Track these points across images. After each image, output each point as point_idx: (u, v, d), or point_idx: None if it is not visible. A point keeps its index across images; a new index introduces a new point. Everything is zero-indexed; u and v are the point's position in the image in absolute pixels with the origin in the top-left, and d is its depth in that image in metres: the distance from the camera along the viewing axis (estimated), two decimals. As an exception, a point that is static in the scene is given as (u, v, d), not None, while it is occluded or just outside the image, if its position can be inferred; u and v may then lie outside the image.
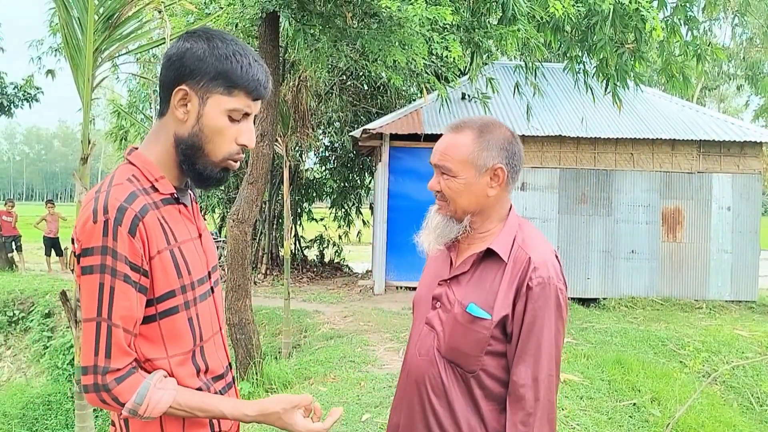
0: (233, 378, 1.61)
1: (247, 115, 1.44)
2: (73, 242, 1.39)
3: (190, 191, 1.57)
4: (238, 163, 1.48)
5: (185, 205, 1.51)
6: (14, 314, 11.07)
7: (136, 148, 1.47)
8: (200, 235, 1.54)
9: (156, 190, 1.41)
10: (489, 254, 1.65)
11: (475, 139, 1.63)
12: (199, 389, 1.45)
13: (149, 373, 1.39)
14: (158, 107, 1.49)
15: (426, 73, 8.07)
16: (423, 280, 1.84)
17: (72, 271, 3.47)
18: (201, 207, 14.27)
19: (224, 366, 1.56)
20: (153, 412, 1.35)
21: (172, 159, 1.44)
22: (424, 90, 8.72)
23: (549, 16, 6.07)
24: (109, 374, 1.33)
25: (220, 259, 10.23)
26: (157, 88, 1.49)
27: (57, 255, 14.45)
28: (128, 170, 1.41)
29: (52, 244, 14.40)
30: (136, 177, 1.40)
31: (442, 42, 6.02)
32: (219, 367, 1.53)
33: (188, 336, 1.44)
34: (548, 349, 1.57)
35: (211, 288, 1.55)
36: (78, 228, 1.35)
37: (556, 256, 1.66)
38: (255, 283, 12.54)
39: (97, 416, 8.53)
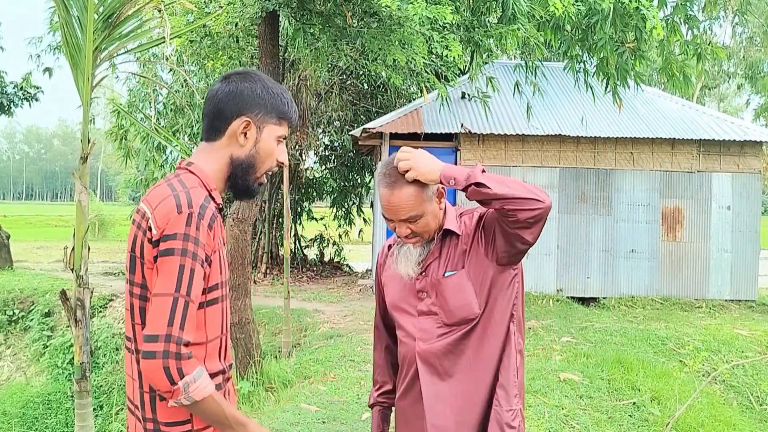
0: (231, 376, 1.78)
1: (285, 138, 1.81)
2: (148, 231, 1.56)
3: None
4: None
5: (224, 217, 1.79)
6: (14, 313, 11.06)
7: (191, 163, 1.71)
8: (224, 243, 1.76)
9: (213, 198, 1.66)
10: (446, 234, 2.03)
11: (415, 184, 1.91)
12: (222, 371, 1.66)
13: None
14: (205, 131, 1.75)
15: (426, 72, 8.06)
16: (391, 288, 2.14)
17: (72, 270, 3.47)
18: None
19: (230, 361, 1.76)
20: (197, 393, 1.49)
21: (222, 176, 1.72)
22: (424, 89, 8.72)
23: (549, 15, 6.06)
24: (185, 346, 1.48)
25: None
26: (203, 117, 1.76)
27: None
28: (193, 179, 1.65)
29: None
30: (201, 185, 1.64)
31: (442, 41, 6.02)
32: (229, 358, 1.74)
33: (219, 325, 1.66)
34: None
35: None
36: (158, 218, 1.54)
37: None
38: (255, 282, 12.54)
39: (97, 415, 8.54)
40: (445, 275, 1.98)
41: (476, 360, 1.98)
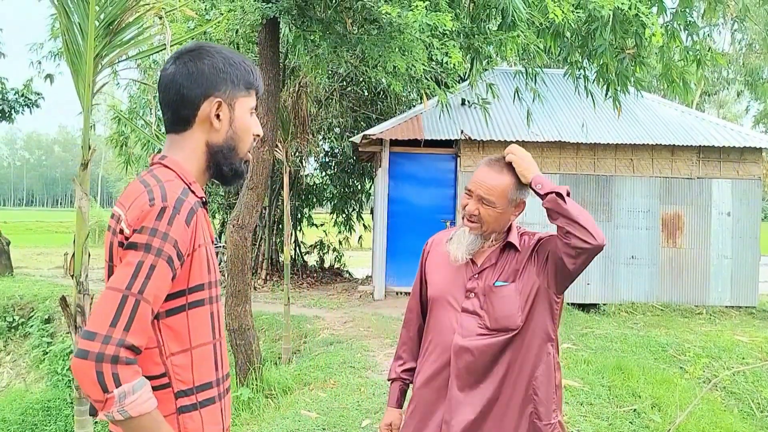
0: (229, 385, 1.65)
1: (255, 109, 1.64)
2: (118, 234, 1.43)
3: None
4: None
5: (207, 211, 1.62)
6: (14, 319, 11.05)
7: (165, 156, 1.56)
8: (212, 241, 1.62)
9: (193, 192, 1.51)
10: (507, 247, 2.16)
11: (512, 181, 2.08)
12: (217, 381, 1.54)
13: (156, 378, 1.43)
14: (171, 124, 1.57)
15: (426, 78, 8.06)
16: (438, 279, 2.24)
17: (72, 276, 3.47)
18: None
19: (227, 370, 1.62)
20: (133, 408, 1.31)
21: (201, 166, 1.57)
22: (424, 96, 8.72)
23: (549, 21, 6.07)
24: (125, 349, 1.31)
25: (220, 264, 10.22)
26: (163, 107, 1.58)
27: None
28: (169, 172, 1.50)
29: None
30: (178, 178, 1.50)
31: (442, 48, 6.03)
32: (226, 367, 1.60)
33: (209, 329, 1.52)
34: None
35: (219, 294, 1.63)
36: (130, 218, 1.40)
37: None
38: (255, 288, 12.53)
39: (96, 422, 8.51)
40: (496, 284, 2.11)
41: (510, 370, 2.09)
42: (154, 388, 1.41)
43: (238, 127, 1.57)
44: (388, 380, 2.42)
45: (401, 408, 2.36)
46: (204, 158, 1.56)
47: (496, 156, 2.15)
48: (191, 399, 1.48)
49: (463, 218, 2.18)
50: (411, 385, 2.34)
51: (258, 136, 1.64)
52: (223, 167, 1.58)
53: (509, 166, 2.09)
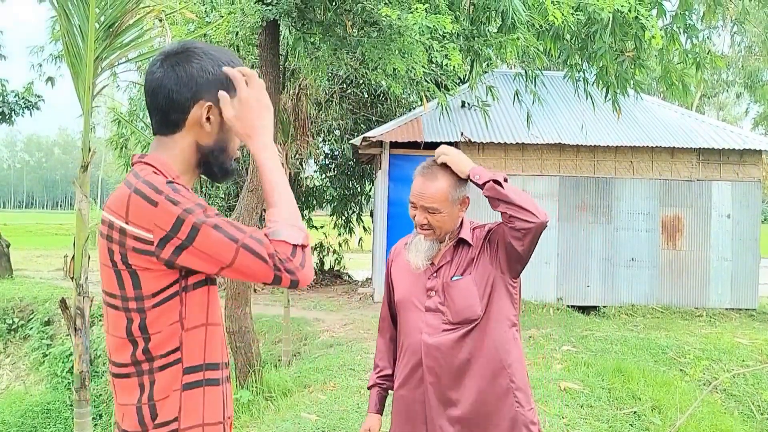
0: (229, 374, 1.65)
1: None
2: (117, 241, 1.42)
3: None
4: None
5: None
6: (13, 322, 11.05)
7: (143, 155, 1.54)
8: None
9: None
10: (460, 243, 2.24)
11: (449, 182, 2.14)
12: (224, 365, 1.56)
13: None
14: (160, 126, 1.54)
15: (426, 81, 8.07)
16: (401, 283, 2.34)
17: (72, 278, 3.47)
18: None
19: (228, 359, 1.62)
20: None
21: (190, 165, 1.55)
22: (424, 98, 8.72)
23: (548, 24, 6.08)
24: (287, 262, 1.39)
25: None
26: (151, 110, 1.55)
27: None
28: (147, 168, 1.47)
29: None
30: (157, 172, 1.46)
31: (441, 50, 6.03)
32: (227, 355, 1.60)
33: (219, 310, 1.55)
34: None
35: None
36: (141, 223, 1.38)
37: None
38: (255, 290, 12.52)
39: (96, 424, 8.50)
40: (453, 279, 2.20)
41: (480, 360, 2.17)
42: (166, 365, 1.44)
43: (228, 128, 1.54)
44: (368, 388, 2.51)
45: (380, 414, 2.45)
46: (194, 157, 1.54)
47: (426, 162, 2.21)
48: (198, 376, 1.48)
49: (415, 227, 2.26)
50: (391, 391, 2.41)
51: None
52: (213, 167, 1.57)
53: (442, 167, 2.16)
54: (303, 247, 1.44)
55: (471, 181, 2.12)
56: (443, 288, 2.21)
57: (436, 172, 2.16)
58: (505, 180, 2.07)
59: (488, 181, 2.06)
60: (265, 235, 1.41)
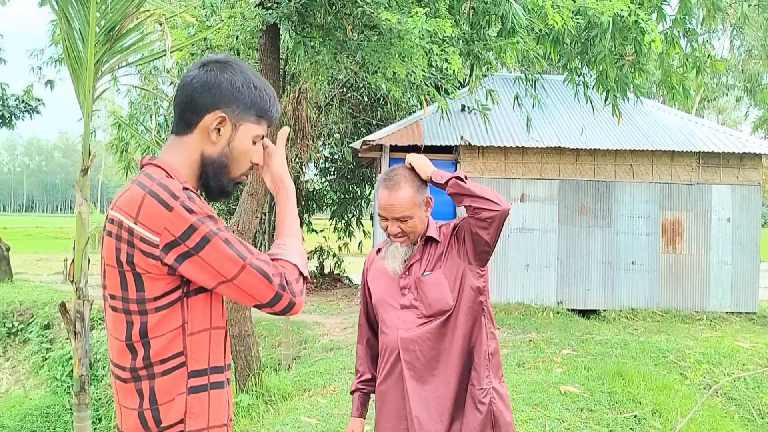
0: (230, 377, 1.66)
1: (262, 138, 1.64)
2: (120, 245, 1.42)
3: None
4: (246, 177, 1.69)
5: None
6: (13, 325, 11.04)
7: (154, 158, 1.55)
8: None
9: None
10: (428, 241, 2.37)
11: (411, 189, 2.28)
12: (227, 367, 1.58)
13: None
14: (175, 124, 1.58)
15: (426, 84, 8.08)
16: (377, 286, 2.44)
17: (72, 282, 3.46)
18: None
19: (230, 361, 1.64)
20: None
21: (194, 172, 1.56)
22: (424, 102, 8.74)
23: (548, 28, 6.09)
24: (293, 284, 1.47)
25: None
26: (174, 107, 1.59)
27: None
28: (161, 171, 1.48)
29: None
30: (169, 177, 1.47)
31: (441, 54, 6.04)
32: (228, 357, 1.62)
33: (222, 313, 1.56)
34: None
35: None
36: (150, 225, 1.39)
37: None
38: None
39: (95, 428, 8.49)
40: (424, 274, 2.32)
41: (452, 347, 2.29)
42: (167, 370, 1.45)
43: (235, 148, 1.56)
44: (350, 393, 2.60)
45: (363, 418, 2.55)
46: (197, 167, 1.55)
47: (385, 173, 2.35)
48: (204, 379, 1.49)
49: (389, 236, 2.38)
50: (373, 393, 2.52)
51: (256, 165, 1.65)
52: (210, 181, 1.58)
53: (402, 175, 2.30)
54: (305, 279, 1.53)
55: (433, 182, 2.27)
56: (415, 284, 2.32)
57: (398, 181, 2.29)
58: (465, 178, 2.22)
59: (451, 179, 2.22)
60: (271, 257, 1.47)
